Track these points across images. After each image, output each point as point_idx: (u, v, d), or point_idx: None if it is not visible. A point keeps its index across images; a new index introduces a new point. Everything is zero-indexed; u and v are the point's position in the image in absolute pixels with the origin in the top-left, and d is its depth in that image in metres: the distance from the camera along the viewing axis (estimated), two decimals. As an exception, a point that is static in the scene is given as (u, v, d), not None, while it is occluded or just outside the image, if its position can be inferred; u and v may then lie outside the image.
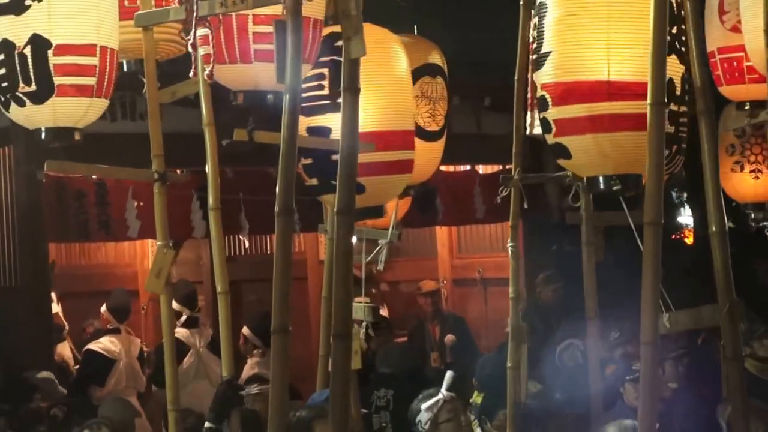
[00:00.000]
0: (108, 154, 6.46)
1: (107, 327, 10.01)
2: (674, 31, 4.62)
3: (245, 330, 9.40)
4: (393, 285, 13.22)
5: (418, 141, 6.43)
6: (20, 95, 4.81)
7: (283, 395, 3.79)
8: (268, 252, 11.67)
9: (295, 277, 10.27)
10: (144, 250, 12.04)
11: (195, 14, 4.26)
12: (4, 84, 4.80)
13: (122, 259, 12.45)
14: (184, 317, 9.74)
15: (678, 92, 4.66)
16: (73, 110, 4.91)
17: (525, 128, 5.69)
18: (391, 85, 5.64)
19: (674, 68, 4.61)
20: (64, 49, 4.80)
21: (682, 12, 4.70)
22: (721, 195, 4.65)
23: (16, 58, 4.76)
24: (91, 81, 4.86)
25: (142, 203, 9.41)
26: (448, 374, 6.18)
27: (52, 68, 4.79)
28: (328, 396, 5.26)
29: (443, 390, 6.06)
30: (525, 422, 6.63)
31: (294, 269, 4.04)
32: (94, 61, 4.85)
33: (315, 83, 5.26)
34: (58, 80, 4.80)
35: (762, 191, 7.75)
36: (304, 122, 5.70)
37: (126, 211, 9.57)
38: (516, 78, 5.97)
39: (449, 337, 11.12)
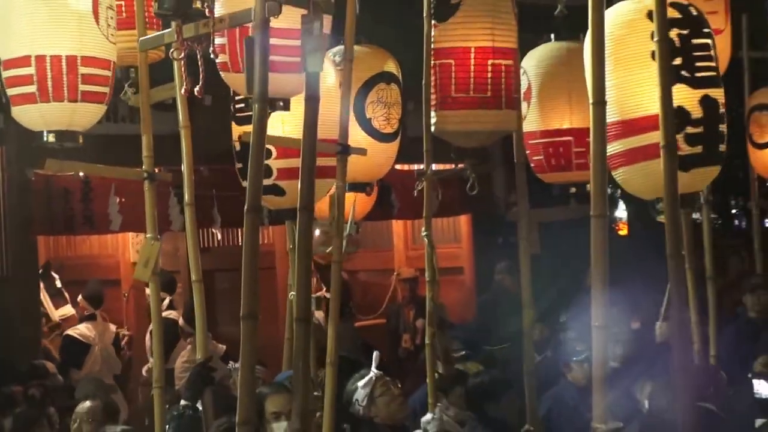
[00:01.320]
0: (94, 153, 6.44)
1: (84, 314, 10.02)
2: (679, 62, 4.73)
3: (180, 320, 9.21)
4: (352, 274, 13.25)
5: (374, 142, 6.48)
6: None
7: (252, 377, 3.80)
8: (239, 243, 11.67)
9: (265, 267, 10.39)
10: (125, 242, 12.01)
11: (182, 36, 4.28)
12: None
13: (105, 251, 12.40)
14: (167, 301, 9.71)
15: (693, 116, 4.75)
16: (27, 117, 4.96)
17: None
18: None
19: (685, 95, 4.72)
20: (8, 64, 4.87)
21: (693, 41, 4.80)
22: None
23: None
24: (30, 89, 4.85)
25: (123, 199, 9.43)
26: (375, 354, 6.28)
27: (3, 82, 4.89)
28: (287, 375, 5.29)
29: (373, 369, 6.17)
30: (479, 398, 6.73)
31: (263, 260, 4.07)
32: (30, 70, 4.82)
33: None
34: (9, 92, 4.90)
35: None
36: (237, 130, 5.75)
37: (109, 207, 9.57)
38: (424, 82, 6.04)
39: (420, 321, 11.19)
